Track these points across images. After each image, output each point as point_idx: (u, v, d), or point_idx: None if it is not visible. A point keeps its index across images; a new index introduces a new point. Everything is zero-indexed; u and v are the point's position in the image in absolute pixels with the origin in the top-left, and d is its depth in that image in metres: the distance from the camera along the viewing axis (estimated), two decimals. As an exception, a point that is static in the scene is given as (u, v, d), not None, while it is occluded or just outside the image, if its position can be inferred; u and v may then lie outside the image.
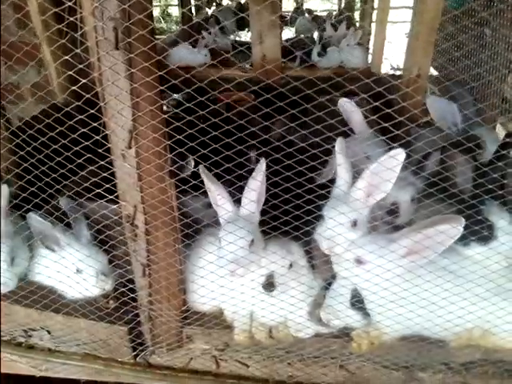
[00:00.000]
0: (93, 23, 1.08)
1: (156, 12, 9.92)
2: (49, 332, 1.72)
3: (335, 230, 1.47)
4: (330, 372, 1.73)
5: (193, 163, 1.97)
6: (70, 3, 1.13)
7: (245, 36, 6.53)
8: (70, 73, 1.19)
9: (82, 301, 1.67)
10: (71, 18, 1.22)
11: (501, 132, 2.92)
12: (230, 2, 7.80)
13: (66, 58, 1.28)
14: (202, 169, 1.50)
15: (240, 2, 7.44)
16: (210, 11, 7.34)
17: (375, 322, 1.55)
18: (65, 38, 1.54)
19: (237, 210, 1.54)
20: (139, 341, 1.69)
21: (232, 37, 6.16)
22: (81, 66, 1.17)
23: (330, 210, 1.53)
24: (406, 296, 1.45)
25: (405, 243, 1.40)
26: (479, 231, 1.47)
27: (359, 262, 1.47)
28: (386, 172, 1.42)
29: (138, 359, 1.73)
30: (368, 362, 1.67)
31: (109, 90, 1.17)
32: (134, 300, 1.61)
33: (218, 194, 1.52)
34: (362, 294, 1.50)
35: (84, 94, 1.31)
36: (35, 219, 1.62)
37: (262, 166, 1.49)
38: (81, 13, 1.08)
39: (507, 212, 1.54)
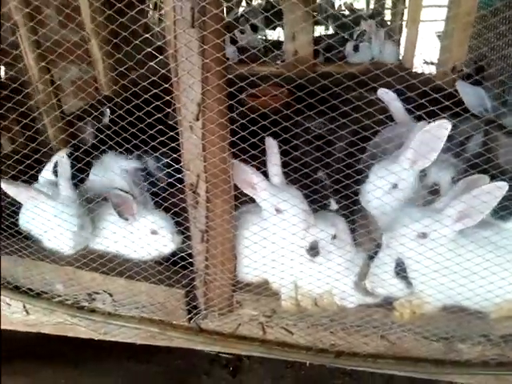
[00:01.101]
0: (172, 3, 1.21)
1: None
2: (111, 295, 1.87)
3: (376, 189, 1.60)
4: (372, 342, 1.81)
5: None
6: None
7: (273, 35, 6.67)
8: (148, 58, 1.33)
9: (147, 263, 1.86)
10: (131, 13, 1.36)
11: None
12: (259, 1, 7.94)
13: (133, 45, 1.42)
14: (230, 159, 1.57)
15: (270, 1, 7.58)
16: (240, 11, 7.50)
17: (418, 292, 1.63)
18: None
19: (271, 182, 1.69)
20: (194, 304, 1.82)
21: (260, 36, 6.31)
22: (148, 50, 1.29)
23: (374, 171, 1.67)
24: (448, 266, 1.53)
25: (458, 207, 1.48)
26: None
27: (423, 235, 1.54)
28: (433, 141, 1.49)
29: (191, 322, 1.87)
30: (409, 332, 1.75)
31: (182, 65, 1.30)
32: (191, 265, 1.74)
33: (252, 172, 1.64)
34: (406, 262, 1.59)
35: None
36: (117, 193, 1.80)
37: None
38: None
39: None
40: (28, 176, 1.93)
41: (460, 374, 1.80)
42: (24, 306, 2.01)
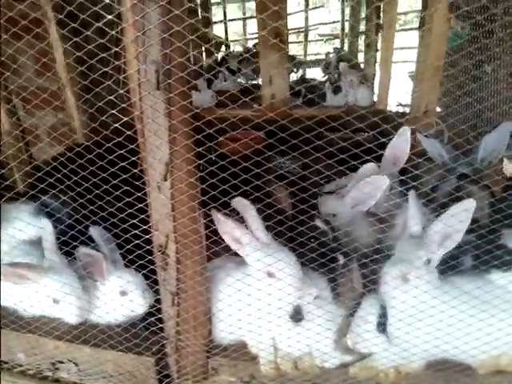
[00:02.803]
0: (136, 66, 1.18)
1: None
2: (76, 364, 1.74)
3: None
4: (357, 404, 1.71)
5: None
6: (115, 49, 1.25)
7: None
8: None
9: (114, 330, 1.72)
10: (117, 63, 1.34)
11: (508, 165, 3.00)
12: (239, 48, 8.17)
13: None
14: (219, 213, 1.53)
15: (248, 48, 7.81)
16: (219, 56, 7.69)
17: (401, 350, 1.56)
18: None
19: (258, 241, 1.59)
20: (166, 372, 1.70)
21: (240, 80, 6.43)
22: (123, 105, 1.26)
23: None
24: (431, 322, 1.47)
25: (437, 229, 1.48)
26: (500, 257, 1.51)
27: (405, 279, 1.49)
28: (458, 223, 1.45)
29: (163, 392, 1.73)
30: (395, 393, 1.66)
31: (148, 126, 1.26)
32: (162, 330, 1.64)
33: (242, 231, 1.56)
34: (389, 319, 1.52)
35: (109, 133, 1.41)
36: (86, 252, 1.69)
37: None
38: (125, 57, 1.19)
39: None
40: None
41: None
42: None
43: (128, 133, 1.28)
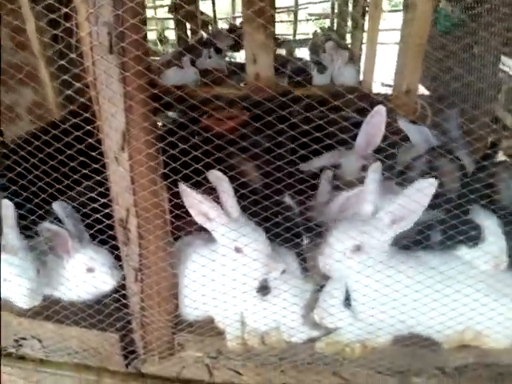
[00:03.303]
0: (88, 29, 1.12)
1: (153, 35, 10.16)
2: (40, 341, 1.70)
3: (335, 254, 1.46)
4: (324, 379, 1.71)
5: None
6: (66, 10, 1.18)
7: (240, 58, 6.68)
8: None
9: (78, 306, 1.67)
10: (67, 24, 1.27)
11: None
12: (224, 25, 8.01)
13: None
14: (185, 186, 1.47)
15: (234, 25, 7.65)
16: (204, 34, 7.52)
17: (366, 325, 1.55)
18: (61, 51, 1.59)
19: (228, 216, 1.55)
20: (131, 349, 1.68)
21: (227, 58, 6.32)
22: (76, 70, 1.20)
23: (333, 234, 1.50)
24: (396, 297, 1.46)
25: (390, 209, 1.42)
26: (467, 232, 1.50)
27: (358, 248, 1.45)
28: (413, 204, 1.38)
29: (129, 368, 1.71)
30: (362, 367, 1.66)
31: (103, 93, 1.20)
32: (126, 306, 1.61)
33: (209, 205, 1.51)
34: (352, 295, 1.51)
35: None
36: (49, 228, 1.62)
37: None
38: (76, 18, 1.12)
39: (494, 215, 1.58)
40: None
41: (416, 410, 1.72)
42: None
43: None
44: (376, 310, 1.47)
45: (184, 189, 1.47)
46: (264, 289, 1.52)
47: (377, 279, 1.44)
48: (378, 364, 1.65)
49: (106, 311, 1.62)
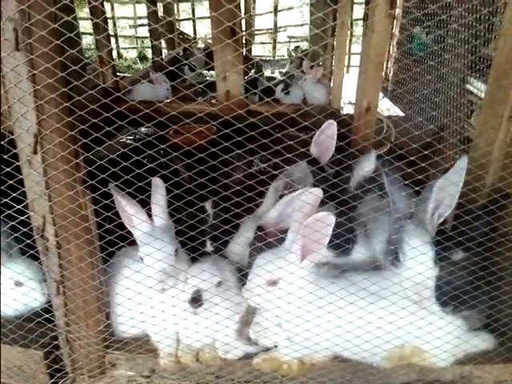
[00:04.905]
0: (-7, 24, 1.07)
1: (134, 54, 10.26)
2: (-42, 360, 1.58)
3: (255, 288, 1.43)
4: (264, 398, 1.63)
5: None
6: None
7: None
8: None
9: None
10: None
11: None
12: (199, 45, 8.09)
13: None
14: (113, 188, 1.43)
15: (210, 44, 7.72)
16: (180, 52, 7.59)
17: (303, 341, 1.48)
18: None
19: (152, 223, 1.50)
20: (58, 366, 1.57)
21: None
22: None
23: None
24: (321, 322, 1.40)
25: (297, 240, 1.39)
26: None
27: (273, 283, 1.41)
28: (316, 234, 1.35)
29: (56, 388, 1.60)
30: (302, 385, 1.59)
31: (12, 92, 1.14)
32: (51, 321, 1.51)
33: (132, 212, 1.46)
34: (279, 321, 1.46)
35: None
36: None
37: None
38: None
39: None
40: None
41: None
42: None
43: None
44: (306, 334, 1.41)
45: (113, 192, 1.42)
46: (195, 301, 1.44)
47: (298, 306, 1.39)
48: (318, 381, 1.57)
49: (27, 327, 1.51)
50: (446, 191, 1.44)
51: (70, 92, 1.17)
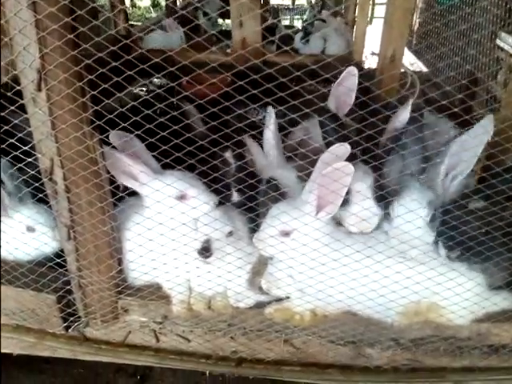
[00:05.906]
0: None
1: (148, 2, 9.87)
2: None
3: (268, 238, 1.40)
4: (275, 347, 1.63)
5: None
6: None
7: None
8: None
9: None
10: None
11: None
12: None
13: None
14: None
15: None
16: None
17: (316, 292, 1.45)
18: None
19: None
20: (71, 310, 1.59)
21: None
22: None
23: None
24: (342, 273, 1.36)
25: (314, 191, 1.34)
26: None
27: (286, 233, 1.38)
28: (334, 184, 1.29)
29: (70, 331, 1.63)
30: (313, 336, 1.58)
31: (12, 22, 1.06)
32: (62, 266, 1.51)
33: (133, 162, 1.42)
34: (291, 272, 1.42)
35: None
36: None
37: None
38: None
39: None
40: None
41: (369, 381, 1.65)
42: None
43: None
44: (319, 286, 1.38)
45: (105, 151, 1.35)
46: (205, 251, 1.41)
47: (312, 258, 1.35)
48: (330, 333, 1.56)
49: (39, 270, 1.52)
50: (464, 153, 1.35)
51: (74, 23, 1.08)
